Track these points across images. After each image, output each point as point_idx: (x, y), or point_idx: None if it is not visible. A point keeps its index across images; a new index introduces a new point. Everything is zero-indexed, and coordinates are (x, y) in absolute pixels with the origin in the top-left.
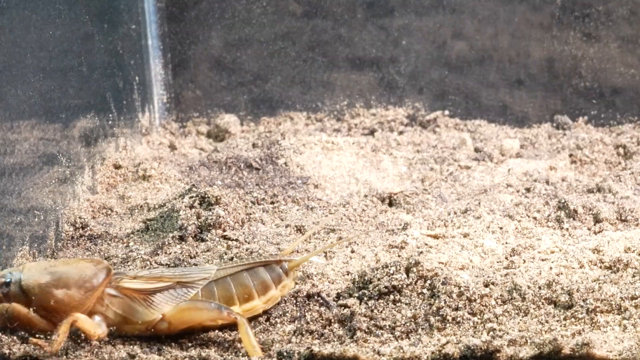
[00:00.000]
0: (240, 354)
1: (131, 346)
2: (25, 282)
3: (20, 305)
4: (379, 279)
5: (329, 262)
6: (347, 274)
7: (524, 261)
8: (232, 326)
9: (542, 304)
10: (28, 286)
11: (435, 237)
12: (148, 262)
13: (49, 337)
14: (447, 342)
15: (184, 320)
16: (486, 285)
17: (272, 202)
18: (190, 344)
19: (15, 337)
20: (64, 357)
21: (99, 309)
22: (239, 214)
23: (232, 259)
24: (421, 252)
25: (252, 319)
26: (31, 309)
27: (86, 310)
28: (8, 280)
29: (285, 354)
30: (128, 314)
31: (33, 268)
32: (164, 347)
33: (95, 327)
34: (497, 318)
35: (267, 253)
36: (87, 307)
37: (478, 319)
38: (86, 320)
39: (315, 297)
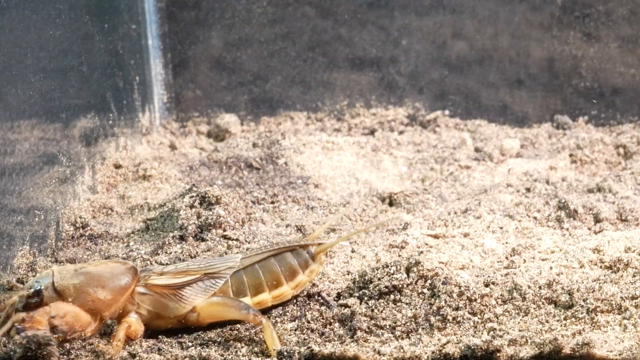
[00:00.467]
0: (241, 354)
1: (132, 346)
2: (59, 284)
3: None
4: (379, 279)
5: (331, 262)
6: (348, 274)
7: (524, 261)
8: (238, 322)
9: (543, 303)
10: (63, 287)
11: (436, 236)
12: (148, 262)
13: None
14: (448, 342)
15: (213, 314)
16: (486, 285)
17: (273, 202)
18: (190, 344)
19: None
20: (65, 357)
21: (130, 308)
22: (240, 213)
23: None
24: (421, 252)
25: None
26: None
27: (117, 310)
28: (39, 288)
29: (285, 353)
30: (160, 310)
31: (63, 271)
32: (164, 347)
33: (138, 327)
34: (497, 318)
35: (293, 239)
36: (120, 306)
37: (478, 318)
38: (136, 322)
39: (316, 296)
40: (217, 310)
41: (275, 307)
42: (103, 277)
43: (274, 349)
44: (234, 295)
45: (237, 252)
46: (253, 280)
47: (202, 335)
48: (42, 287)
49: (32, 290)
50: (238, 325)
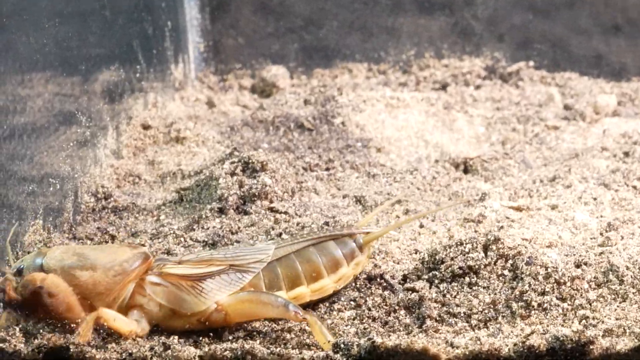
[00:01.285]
0: (290, 346)
1: (165, 337)
2: (46, 264)
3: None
4: (452, 259)
5: (395, 239)
6: (415, 253)
7: (622, 237)
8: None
9: None
10: (49, 268)
11: (518, 209)
12: (182, 239)
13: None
14: (532, 332)
15: (244, 312)
16: (578, 266)
17: (327, 169)
18: (230, 336)
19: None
20: (90, 347)
21: (139, 301)
22: (289, 182)
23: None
24: (501, 227)
25: (305, 306)
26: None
27: (119, 300)
28: (21, 267)
29: (342, 346)
30: (175, 305)
31: (58, 250)
32: (200, 339)
33: (128, 324)
34: (590, 304)
35: (339, 225)
36: (116, 295)
37: (568, 305)
38: (114, 317)
39: (378, 279)
40: (249, 307)
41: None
42: (99, 260)
43: (329, 341)
44: (267, 289)
45: (271, 241)
46: (289, 272)
47: (245, 325)
48: (23, 267)
49: (14, 269)
50: None
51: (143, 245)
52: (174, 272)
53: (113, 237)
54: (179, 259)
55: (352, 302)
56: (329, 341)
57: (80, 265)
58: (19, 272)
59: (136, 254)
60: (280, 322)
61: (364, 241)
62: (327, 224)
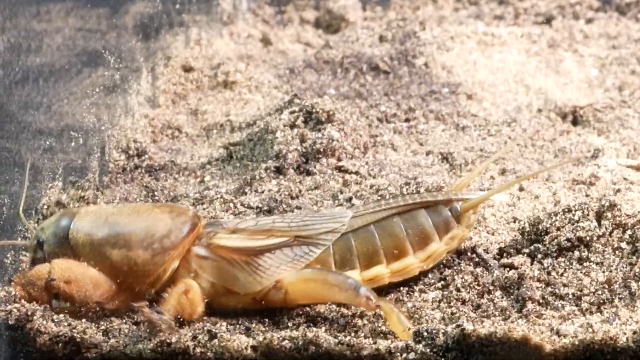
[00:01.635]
0: (362, 335)
1: (211, 323)
2: (74, 237)
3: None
4: (558, 229)
5: (490, 205)
6: (514, 221)
7: None
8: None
9: None
10: (77, 242)
11: (638, 168)
12: (231, 205)
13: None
14: None
15: (306, 294)
16: None
17: (407, 120)
18: (289, 321)
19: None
20: (123, 335)
21: (184, 277)
22: (360, 136)
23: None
24: (618, 191)
25: (379, 289)
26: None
27: (158, 281)
28: (41, 239)
29: (425, 334)
30: (226, 283)
31: (88, 217)
32: (253, 325)
33: (198, 306)
34: None
35: (431, 189)
36: (159, 275)
37: None
38: (198, 291)
39: (469, 253)
40: (312, 288)
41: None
42: (135, 234)
43: (408, 329)
44: (338, 267)
45: (347, 207)
46: (365, 247)
47: (307, 309)
48: (43, 239)
49: (34, 242)
50: None
51: (173, 200)
52: (226, 245)
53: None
54: (233, 226)
55: (437, 281)
56: (408, 329)
57: (112, 242)
58: (40, 245)
59: (180, 223)
60: (350, 306)
61: (462, 209)
62: (407, 185)
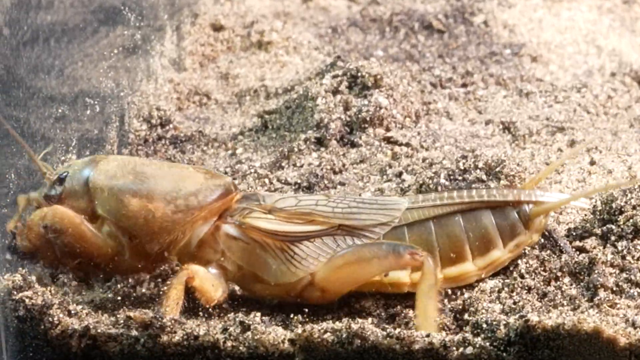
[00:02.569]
0: (413, 326)
1: (243, 313)
2: (94, 179)
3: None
4: (634, 208)
5: (557, 180)
6: (588, 199)
7: None
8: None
9: None
10: (96, 187)
11: None
12: (266, 180)
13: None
14: None
15: (345, 280)
16: None
17: (464, 85)
18: (330, 314)
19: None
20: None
21: (210, 256)
22: (411, 103)
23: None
24: None
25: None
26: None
27: (174, 246)
28: (63, 175)
29: (484, 326)
30: (256, 269)
31: (115, 162)
32: (291, 316)
33: (215, 288)
34: None
35: (501, 185)
36: (174, 238)
37: None
38: (206, 277)
39: None
40: (349, 273)
41: None
42: (160, 186)
43: (425, 305)
44: None
45: (405, 195)
46: (420, 245)
47: (350, 299)
48: (67, 175)
49: (55, 176)
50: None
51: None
52: (259, 226)
53: None
54: (270, 204)
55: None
56: (427, 315)
57: (134, 190)
58: (60, 181)
59: (212, 185)
60: (398, 297)
61: (532, 214)
62: (464, 158)
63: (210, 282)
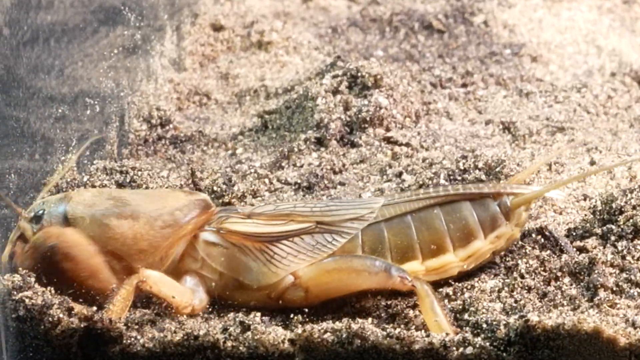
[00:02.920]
0: (413, 327)
1: (243, 313)
2: (72, 211)
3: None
4: (634, 208)
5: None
6: (584, 199)
7: None
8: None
9: None
10: (75, 216)
11: None
12: (266, 181)
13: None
14: None
15: (331, 286)
16: None
17: (464, 85)
18: (330, 314)
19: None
20: (127, 325)
21: (189, 266)
22: (411, 103)
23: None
24: None
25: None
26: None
27: (163, 263)
28: (39, 212)
29: (485, 326)
30: (237, 274)
31: (88, 193)
32: (291, 316)
33: (182, 292)
34: None
35: (481, 180)
36: (163, 255)
37: None
38: (162, 281)
39: (534, 234)
40: (337, 279)
41: None
42: (143, 207)
43: (435, 321)
44: None
45: (378, 194)
46: (399, 240)
47: (351, 299)
48: (43, 212)
49: (31, 214)
50: None
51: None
52: (238, 230)
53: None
54: (249, 211)
55: (498, 267)
56: (436, 321)
57: (117, 213)
58: (37, 219)
59: (193, 201)
60: (399, 296)
61: (512, 205)
62: (464, 158)
63: (172, 287)
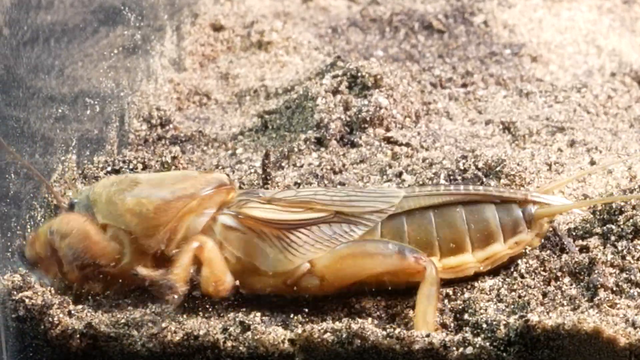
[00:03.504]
0: (412, 326)
1: (243, 313)
2: (92, 192)
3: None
4: (634, 208)
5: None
6: (584, 199)
7: None
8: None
9: None
10: (94, 198)
11: None
12: (267, 178)
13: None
14: None
15: (347, 273)
16: None
17: (464, 85)
18: (331, 314)
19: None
20: (135, 326)
21: None
22: (411, 103)
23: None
24: None
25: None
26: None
27: (172, 239)
28: (73, 201)
29: (485, 326)
30: (253, 259)
31: (113, 177)
32: (291, 316)
33: (224, 272)
34: None
35: (509, 184)
36: (172, 229)
37: None
38: (216, 254)
39: None
40: (352, 265)
41: None
42: (155, 182)
43: (424, 309)
44: None
45: (401, 185)
46: (418, 235)
47: (351, 299)
48: (76, 200)
49: (68, 204)
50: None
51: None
52: (256, 215)
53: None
54: (270, 195)
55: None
56: (424, 309)
57: (127, 190)
58: (71, 207)
59: (207, 179)
60: (399, 297)
61: (536, 215)
62: (464, 158)
63: (220, 260)
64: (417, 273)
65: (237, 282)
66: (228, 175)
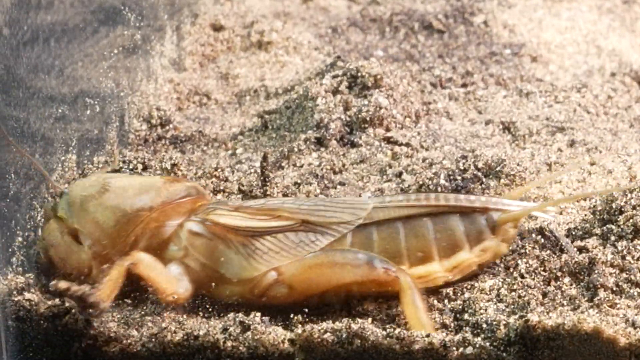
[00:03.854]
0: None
1: (243, 313)
2: (70, 195)
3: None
4: (634, 208)
5: (557, 180)
6: (584, 199)
7: None
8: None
9: None
10: (72, 200)
11: None
12: (265, 180)
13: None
14: None
15: (314, 282)
16: None
17: (464, 85)
18: (330, 314)
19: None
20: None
21: (172, 253)
22: (412, 103)
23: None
24: None
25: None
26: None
27: (136, 246)
28: (54, 205)
29: (485, 326)
30: (218, 266)
31: (93, 177)
32: (292, 316)
33: (170, 280)
34: None
35: (475, 192)
36: (133, 237)
37: None
38: (154, 266)
39: (534, 234)
40: (320, 274)
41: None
42: (123, 187)
43: (416, 315)
44: None
45: (370, 195)
46: (387, 244)
47: (350, 302)
48: (51, 205)
49: (51, 206)
50: None
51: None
52: (222, 222)
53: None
54: (238, 204)
55: (497, 266)
56: (416, 315)
57: (93, 196)
58: (54, 210)
59: (174, 187)
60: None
61: (499, 221)
62: (464, 158)
63: (161, 273)
64: (386, 283)
65: (203, 291)
66: (201, 184)
